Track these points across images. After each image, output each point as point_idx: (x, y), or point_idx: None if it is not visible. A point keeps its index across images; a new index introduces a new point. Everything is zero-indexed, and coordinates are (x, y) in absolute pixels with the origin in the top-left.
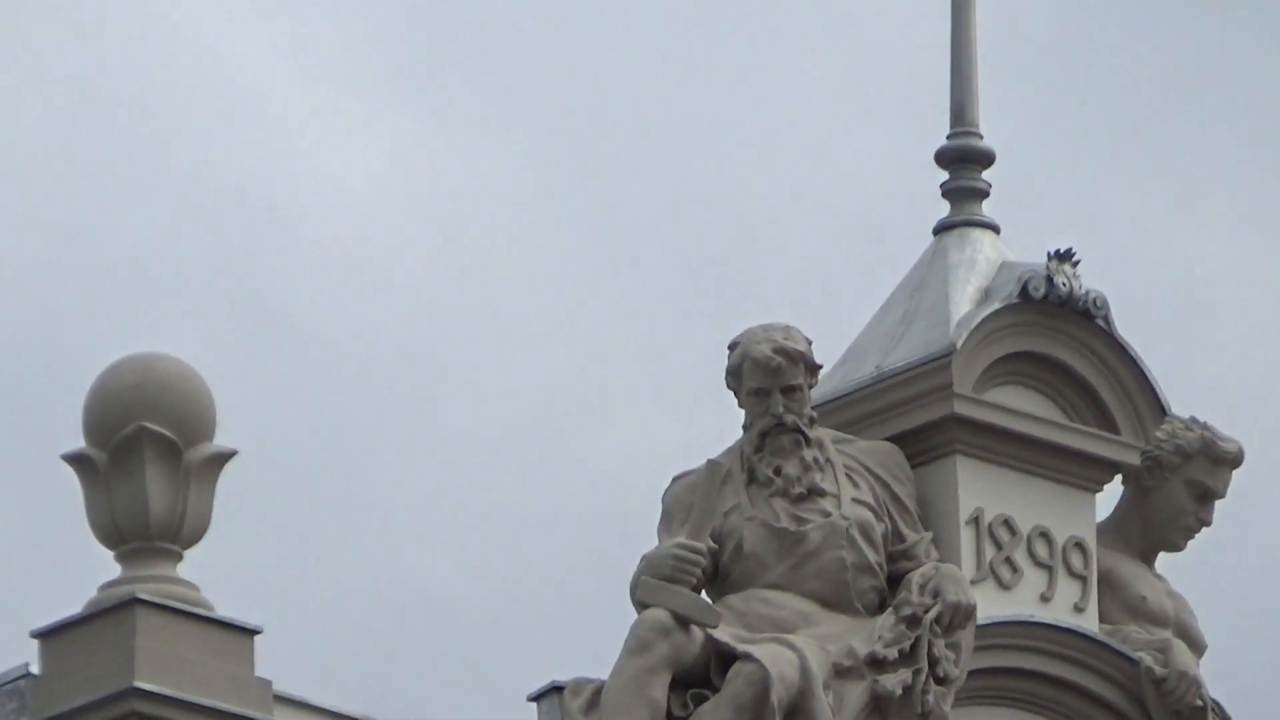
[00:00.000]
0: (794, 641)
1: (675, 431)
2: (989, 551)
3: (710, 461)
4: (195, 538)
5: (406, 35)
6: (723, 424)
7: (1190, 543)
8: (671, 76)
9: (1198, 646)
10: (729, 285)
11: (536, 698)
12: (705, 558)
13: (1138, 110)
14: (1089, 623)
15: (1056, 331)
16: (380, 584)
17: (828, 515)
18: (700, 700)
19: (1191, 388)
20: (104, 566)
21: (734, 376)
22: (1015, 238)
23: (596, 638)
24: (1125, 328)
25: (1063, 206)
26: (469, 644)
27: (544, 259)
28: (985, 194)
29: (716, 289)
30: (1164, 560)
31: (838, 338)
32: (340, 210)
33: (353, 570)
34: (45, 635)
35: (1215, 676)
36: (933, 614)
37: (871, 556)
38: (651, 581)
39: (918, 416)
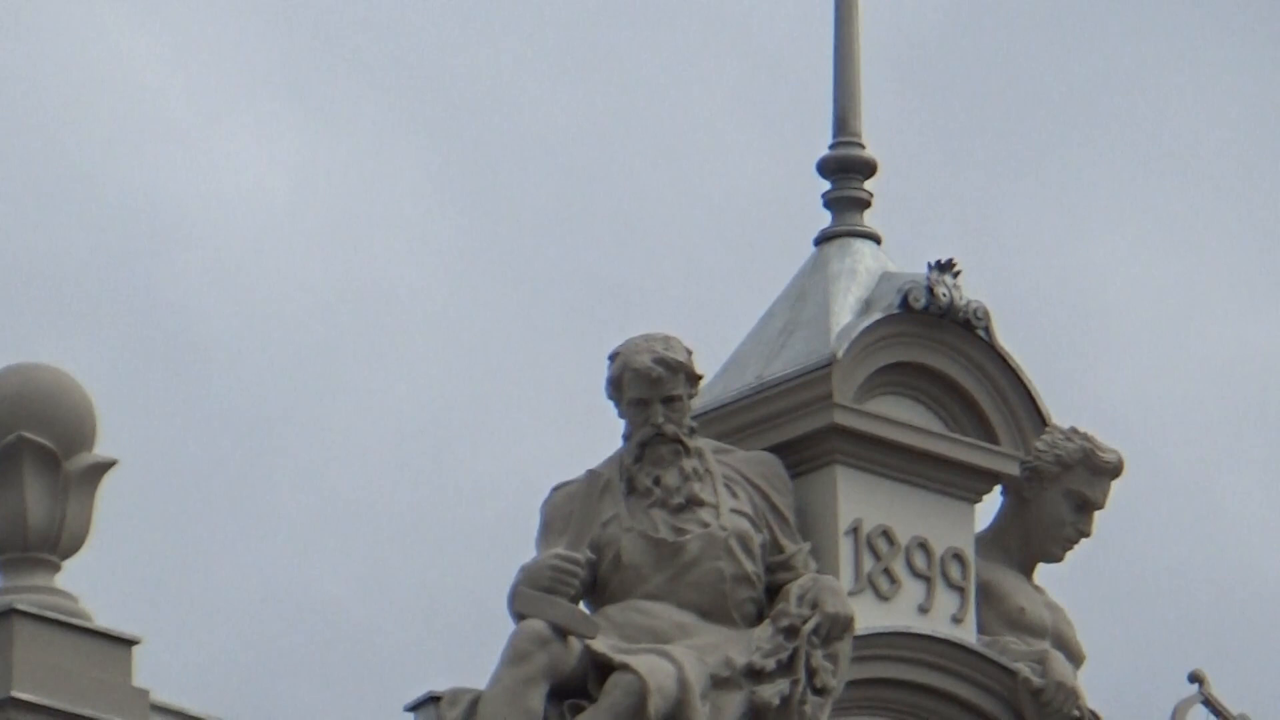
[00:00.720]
0: (671, 652)
1: (563, 441)
2: (868, 562)
3: (589, 471)
4: (74, 548)
5: (302, 44)
6: (609, 434)
7: (1069, 554)
8: (562, 86)
9: (1076, 657)
10: (616, 294)
11: (414, 707)
12: (583, 568)
13: (1024, 120)
14: (967, 634)
15: (937, 342)
16: (260, 594)
17: (706, 526)
18: (577, 710)
19: (1081, 397)
20: None
21: (614, 387)
22: (897, 248)
23: (475, 648)
24: (1011, 338)
25: (945, 217)
26: (348, 654)
27: (437, 269)
28: (867, 204)
29: (604, 297)
30: (1043, 571)
31: (720, 347)
32: (232, 219)
33: (232, 580)
34: None
35: (1094, 687)
36: (811, 625)
37: (749, 567)
38: (529, 592)
39: (798, 427)
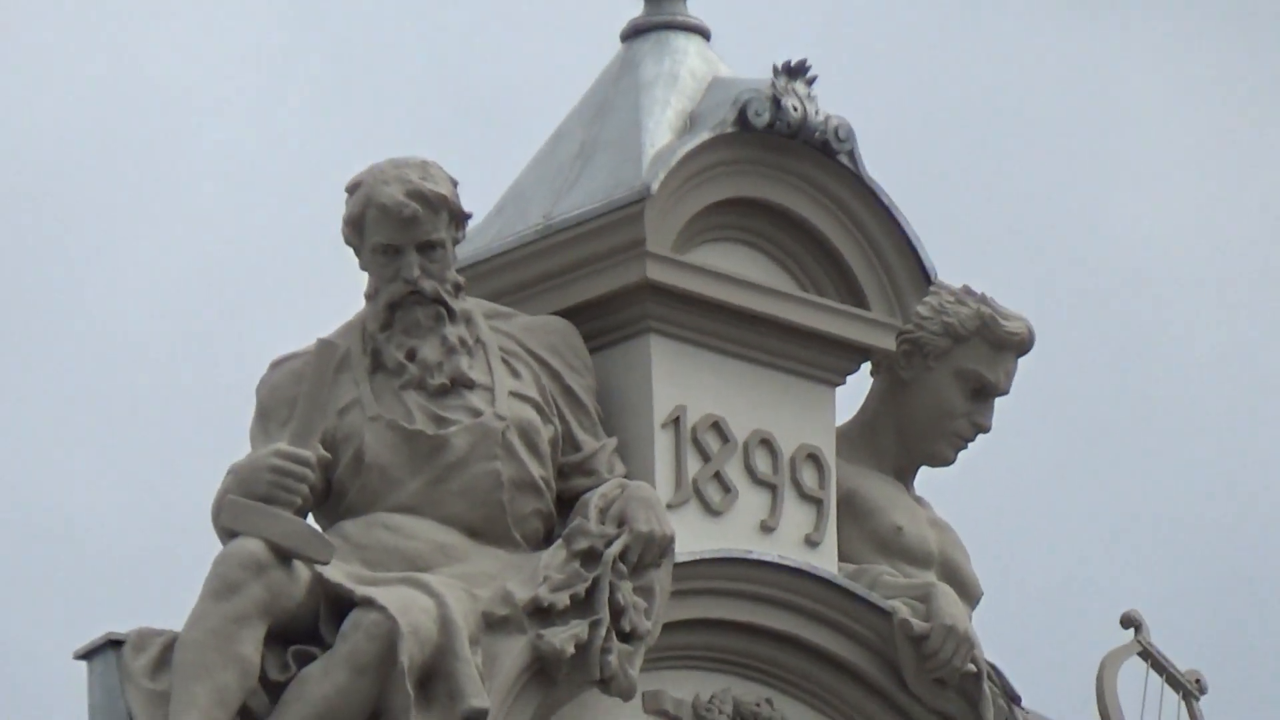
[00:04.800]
0: (431, 583)
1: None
2: (693, 465)
3: (321, 341)
4: None
5: None
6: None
7: (962, 454)
8: None
9: (970, 594)
10: (368, 106)
11: (87, 655)
12: (314, 470)
13: None
14: (825, 561)
15: (784, 171)
16: None
17: (478, 414)
18: (306, 659)
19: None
20: None
21: (354, 228)
22: (731, 47)
23: (167, 578)
24: (888, 168)
25: (797, 5)
26: (4, 591)
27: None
28: None
29: (354, 110)
30: (927, 478)
31: (494, 177)
32: None
33: None
34: None
35: (993, 633)
36: (616, 548)
37: (535, 470)
38: (242, 502)
39: (599, 283)
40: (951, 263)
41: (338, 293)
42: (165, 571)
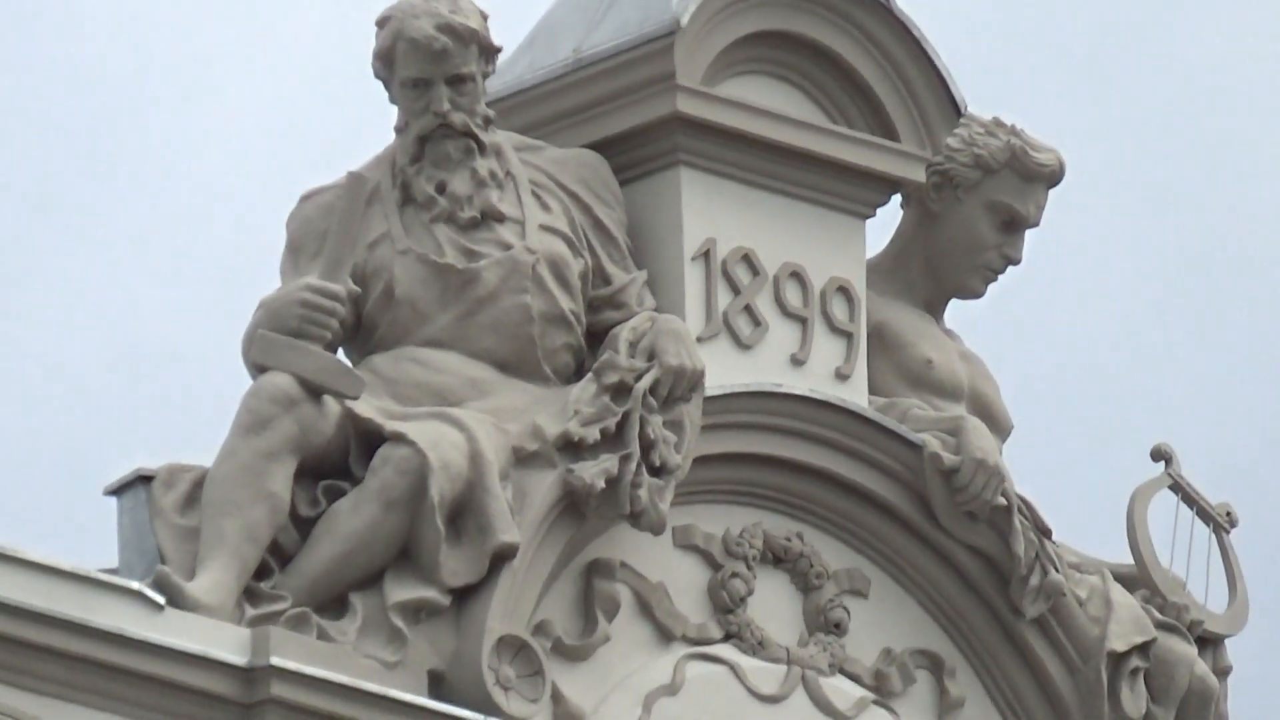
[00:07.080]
0: (461, 418)
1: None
2: (723, 298)
3: (351, 174)
4: None
5: None
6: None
7: (992, 286)
8: None
9: (1000, 427)
10: None
11: (117, 491)
12: (344, 304)
13: None
14: (855, 394)
15: (814, 4)
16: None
17: (508, 248)
18: (335, 495)
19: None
20: None
21: (384, 62)
22: None
23: (196, 413)
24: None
25: None
26: (34, 425)
27: None
28: None
29: None
30: (957, 310)
31: (524, 11)
32: None
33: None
34: None
35: (1023, 466)
36: (647, 381)
37: (565, 303)
38: (271, 336)
39: (628, 116)
40: (984, 95)
41: (367, 126)
42: (194, 408)
